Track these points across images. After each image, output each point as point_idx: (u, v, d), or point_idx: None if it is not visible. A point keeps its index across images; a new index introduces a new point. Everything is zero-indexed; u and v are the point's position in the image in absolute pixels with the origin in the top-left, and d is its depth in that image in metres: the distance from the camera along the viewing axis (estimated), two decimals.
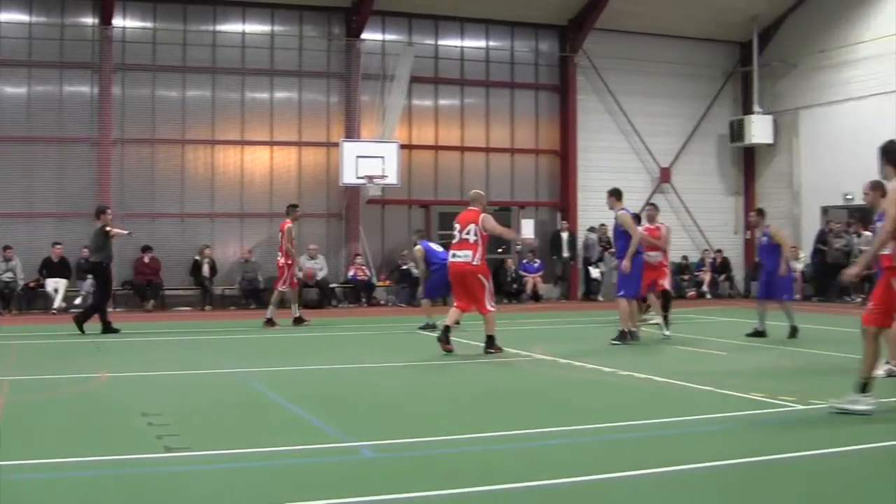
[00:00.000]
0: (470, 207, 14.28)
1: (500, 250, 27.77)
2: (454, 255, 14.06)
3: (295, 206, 19.91)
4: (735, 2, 29.24)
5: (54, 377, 11.75)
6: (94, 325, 17.23)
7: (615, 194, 15.73)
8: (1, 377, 11.41)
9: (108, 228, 17.66)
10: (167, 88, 25.48)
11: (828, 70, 28.73)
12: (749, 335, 16.21)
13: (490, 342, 14.00)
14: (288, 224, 19.33)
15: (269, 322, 18.85)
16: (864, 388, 8.77)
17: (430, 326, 17.42)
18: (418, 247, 18.40)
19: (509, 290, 27.50)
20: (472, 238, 13.85)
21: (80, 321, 17.26)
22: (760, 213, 17.56)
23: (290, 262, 19.26)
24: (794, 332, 16.06)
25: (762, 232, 16.89)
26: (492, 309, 13.99)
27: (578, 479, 6.49)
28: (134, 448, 7.51)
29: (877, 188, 10.87)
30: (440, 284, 17.49)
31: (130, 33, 25.19)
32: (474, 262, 13.80)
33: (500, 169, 28.76)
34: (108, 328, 17.32)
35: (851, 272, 9.90)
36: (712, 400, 10.00)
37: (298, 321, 19.37)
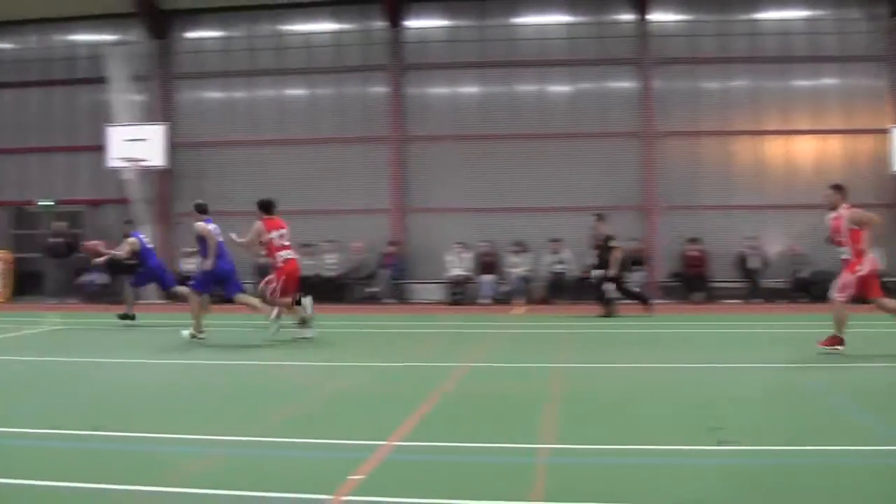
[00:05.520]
0: None
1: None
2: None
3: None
4: None
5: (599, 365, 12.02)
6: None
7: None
8: (555, 363, 11.96)
9: None
10: (707, 80, 25.31)
11: None
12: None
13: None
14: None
15: None
16: None
17: (129, 317, 17.87)
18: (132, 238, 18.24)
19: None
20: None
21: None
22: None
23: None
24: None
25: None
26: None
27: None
28: (684, 439, 7.42)
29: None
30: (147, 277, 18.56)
31: (668, 27, 25.41)
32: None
33: None
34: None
35: None
36: None
37: None
